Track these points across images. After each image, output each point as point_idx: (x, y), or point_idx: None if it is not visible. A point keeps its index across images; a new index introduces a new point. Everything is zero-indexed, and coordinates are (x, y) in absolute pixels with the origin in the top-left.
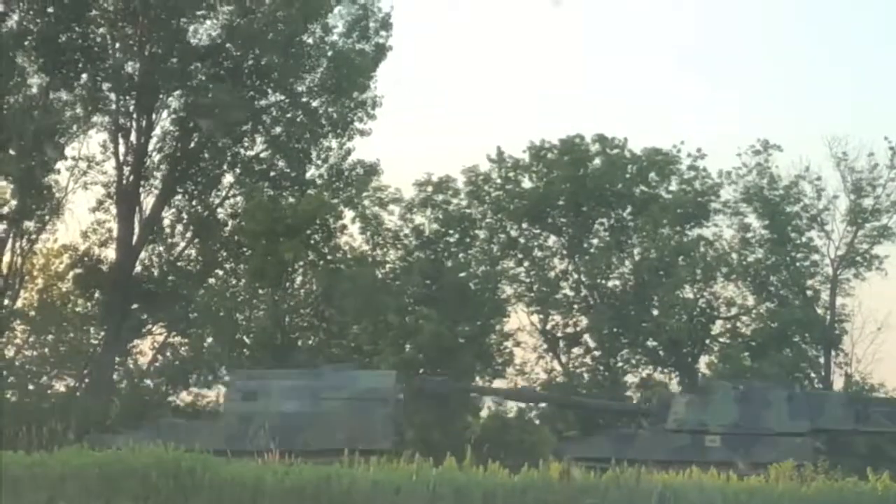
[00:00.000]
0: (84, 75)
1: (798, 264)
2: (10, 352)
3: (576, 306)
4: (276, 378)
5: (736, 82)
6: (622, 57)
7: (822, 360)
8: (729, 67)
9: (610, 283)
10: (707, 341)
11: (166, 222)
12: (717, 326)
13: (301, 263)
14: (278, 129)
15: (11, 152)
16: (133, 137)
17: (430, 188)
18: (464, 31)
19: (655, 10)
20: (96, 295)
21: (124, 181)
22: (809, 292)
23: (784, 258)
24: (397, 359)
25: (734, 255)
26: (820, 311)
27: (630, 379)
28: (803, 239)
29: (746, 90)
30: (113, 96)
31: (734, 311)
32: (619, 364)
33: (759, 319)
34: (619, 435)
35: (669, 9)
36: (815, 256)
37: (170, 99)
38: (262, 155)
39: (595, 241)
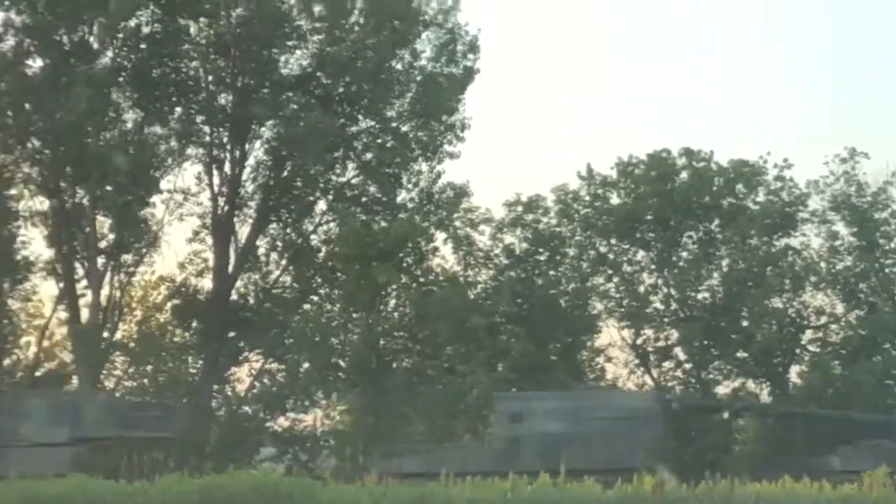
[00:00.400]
0: (178, 109)
1: (888, 270)
2: (110, 383)
3: (666, 320)
4: (539, 400)
5: (819, 88)
6: (706, 68)
7: None
8: (810, 73)
9: (699, 296)
10: (797, 350)
11: (261, 250)
12: (808, 335)
13: (394, 287)
14: (369, 155)
15: (108, 188)
16: (227, 168)
17: (519, 208)
18: (548, 52)
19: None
20: (194, 324)
21: (219, 211)
22: None
23: (873, 265)
24: (489, 378)
25: (823, 264)
26: None
27: (721, 390)
28: (892, 244)
29: (831, 97)
30: (207, 128)
31: (824, 319)
32: (711, 376)
33: (849, 327)
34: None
35: (752, 19)
36: None
37: (262, 129)
38: (353, 181)
39: (684, 254)
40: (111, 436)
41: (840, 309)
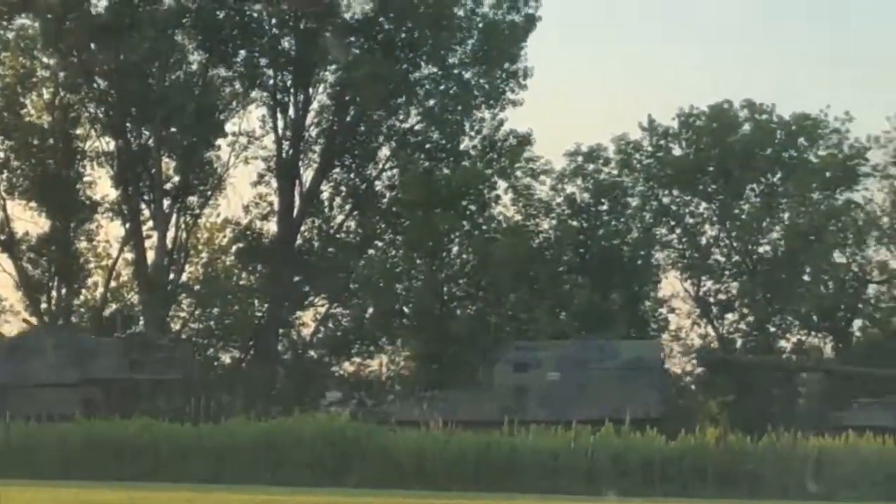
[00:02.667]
0: (242, 52)
1: None
2: (176, 325)
3: (728, 272)
4: (547, 350)
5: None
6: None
7: None
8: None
9: (761, 249)
10: (860, 305)
11: (325, 195)
12: (871, 290)
13: (456, 234)
14: (432, 102)
15: (173, 129)
16: (291, 112)
17: (580, 158)
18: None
19: None
20: (259, 268)
21: (284, 155)
22: None
23: None
24: (553, 327)
25: (885, 219)
26: None
27: (783, 344)
28: None
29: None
30: (270, 72)
31: (886, 275)
32: (773, 329)
33: None
34: None
35: None
36: None
37: (325, 73)
38: (416, 127)
39: (746, 206)
40: None
41: None
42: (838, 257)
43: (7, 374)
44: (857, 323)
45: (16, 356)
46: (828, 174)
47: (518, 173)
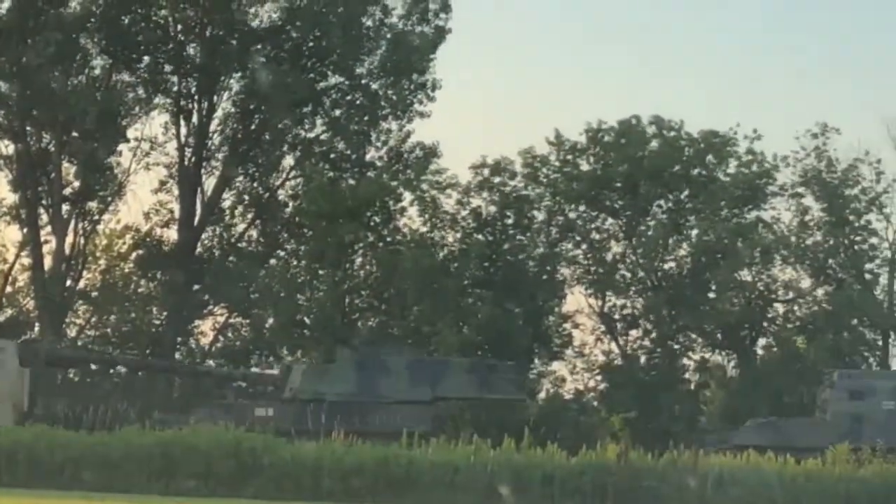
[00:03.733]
0: (146, 57)
1: (856, 247)
2: (72, 332)
3: (633, 289)
4: (882, 378)
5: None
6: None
7: (880, 342)
8: (783, 48)
9: (667, 266)
10: (764, 324)
11: (227, 203)
12: (775, 309)
13: (361, 245)
14: (338, 112)
15: (74, 134)
16: (195, 119)
17: (486, 171)
18: (521, 13)
19: None
20: (158, 275)
21: (186, 162)
22: (868, 275)
23: (842, 241)
24: (455, 340)
25: (792, 239)
26: (879, 294)
27: (687, 361)
28: (862, 222)
29: (799, 71)
30: (175, 78)
31: (791, 294)
32: (676, 347)
33: (815, 303)
34: None
35: None
36: (874, 239)
37: (230, 81)
38: (322, 137)
39: (652, 223)
40: None
41: (808, 284)
42: (744, 276)
43: (357, 388)
44: (762, 342)
45: (365, 371)
46: (737, 192)
47: (424, 186)
